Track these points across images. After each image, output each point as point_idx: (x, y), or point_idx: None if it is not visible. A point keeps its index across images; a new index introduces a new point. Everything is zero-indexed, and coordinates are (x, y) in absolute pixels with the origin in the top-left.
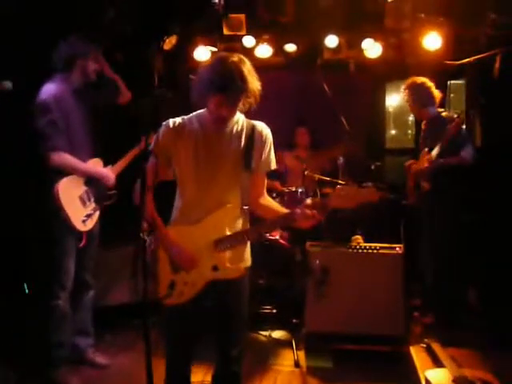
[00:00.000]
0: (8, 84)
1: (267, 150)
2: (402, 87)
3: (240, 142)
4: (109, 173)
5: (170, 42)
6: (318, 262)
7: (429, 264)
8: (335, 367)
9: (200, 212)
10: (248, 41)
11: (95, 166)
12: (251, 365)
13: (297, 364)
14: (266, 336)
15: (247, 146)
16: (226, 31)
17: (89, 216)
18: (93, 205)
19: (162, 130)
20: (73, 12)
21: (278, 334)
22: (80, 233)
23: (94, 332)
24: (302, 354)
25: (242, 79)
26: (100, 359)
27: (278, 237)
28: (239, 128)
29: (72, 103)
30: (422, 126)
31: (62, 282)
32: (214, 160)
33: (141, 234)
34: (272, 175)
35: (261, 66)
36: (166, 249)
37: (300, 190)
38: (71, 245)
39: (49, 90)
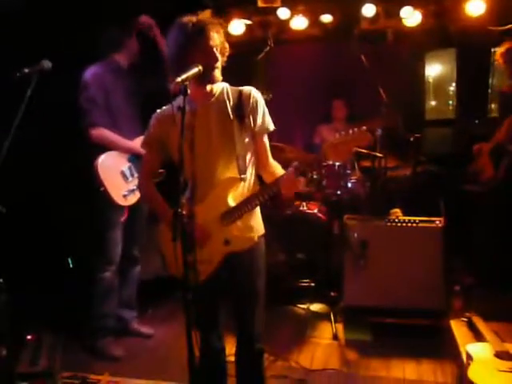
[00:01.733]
0: (47, 63)
1: (260, 112)
2: (499, 51)
3: (228, 111)
4: None
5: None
6: (356, 235)
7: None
8: (374, 340)
9: (203, 190)
10: (283, 12)
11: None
12: (290, 337)
13: (335, 337)
14: (304, 309)
15: (237, 114)
16: (260, 3)
17: (131, 191)
18: (136, 180)
19: (152, 121)
20: None
21: (316, 307)
22: (122, 207)
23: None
24: (340, 327)
25: (214, 22)
26: (145, 329)
27: (316, 210)
28: (225, 97)
29: (115, 82)
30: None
31: (109, 254)
32: (205, 135)
33: (179, 210)
34: (309, 149)
35: (297, 38)
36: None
37: (337, 163)
38: (115, 218)
39: (91, 69)
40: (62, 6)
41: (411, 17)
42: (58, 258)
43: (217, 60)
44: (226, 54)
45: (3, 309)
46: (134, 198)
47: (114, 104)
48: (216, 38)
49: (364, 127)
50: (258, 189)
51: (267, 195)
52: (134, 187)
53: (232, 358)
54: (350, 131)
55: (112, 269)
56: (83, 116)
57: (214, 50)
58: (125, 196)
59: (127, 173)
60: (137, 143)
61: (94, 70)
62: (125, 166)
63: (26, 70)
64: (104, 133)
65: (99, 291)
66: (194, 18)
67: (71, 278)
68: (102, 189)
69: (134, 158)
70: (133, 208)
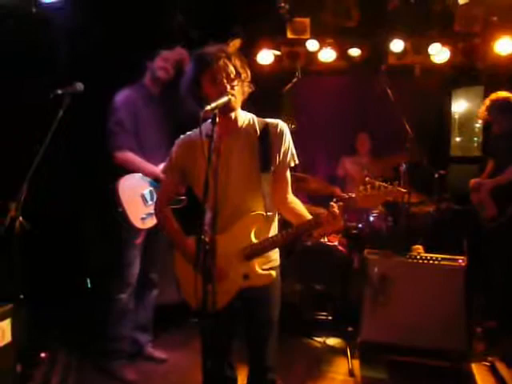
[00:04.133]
0: (79, 85)
1: (286, 146)
2: (487, 101)
3: (253, 143)
4: None
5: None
6: (376, 270)
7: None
8: (390, 379)
9: (224, 221)
10: (312, 44)
11: None
12: (304, 370)
13: (351, 373)
14: (320, 342)
15: (263, 146)
16: (289, 35)
17: (150, 215)
18: None
19: (174, 148)
20: (145, 18)
21: (332, 341)
22: (139, 230)
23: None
24: (356, 363)
25: (225, 52)
26: (158, 353)
27: (336, 242)
28: (251, 129)
29: (145, 107)
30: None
31: (125, 275)
32: (229, 167)
33: (202, 237)
34: (332, 180)
35: (324, 71)
36: (190, 260)
37: None
38: (131, 239)
39: (122, 93)
40: (99, 30)
41: (439, 54)
42: (77, 277)
43: (224, 89)
44: (247, 80)
45: (22, 325)
46: (151, 222)
47: (142, 129)
48: (227, 67)
49: (401, 187)
50: (288, 229)
51: (295, 236)
52: (153, 211)
53: None
54: (386, 185)
55: (128, 291)
56: (110, 138)
57: (223, 79)
58: (143, 219)
59: (148, 196)
60: (160, 169)
61: (125, 94)
62: (146, 189)
63: (59, 92)
64: (128, 156)
65: (114, 312)
66: (206, 49)
67: (89, 298)
68: (119, 209)
69: (156, 182)
70: (152, 231)
